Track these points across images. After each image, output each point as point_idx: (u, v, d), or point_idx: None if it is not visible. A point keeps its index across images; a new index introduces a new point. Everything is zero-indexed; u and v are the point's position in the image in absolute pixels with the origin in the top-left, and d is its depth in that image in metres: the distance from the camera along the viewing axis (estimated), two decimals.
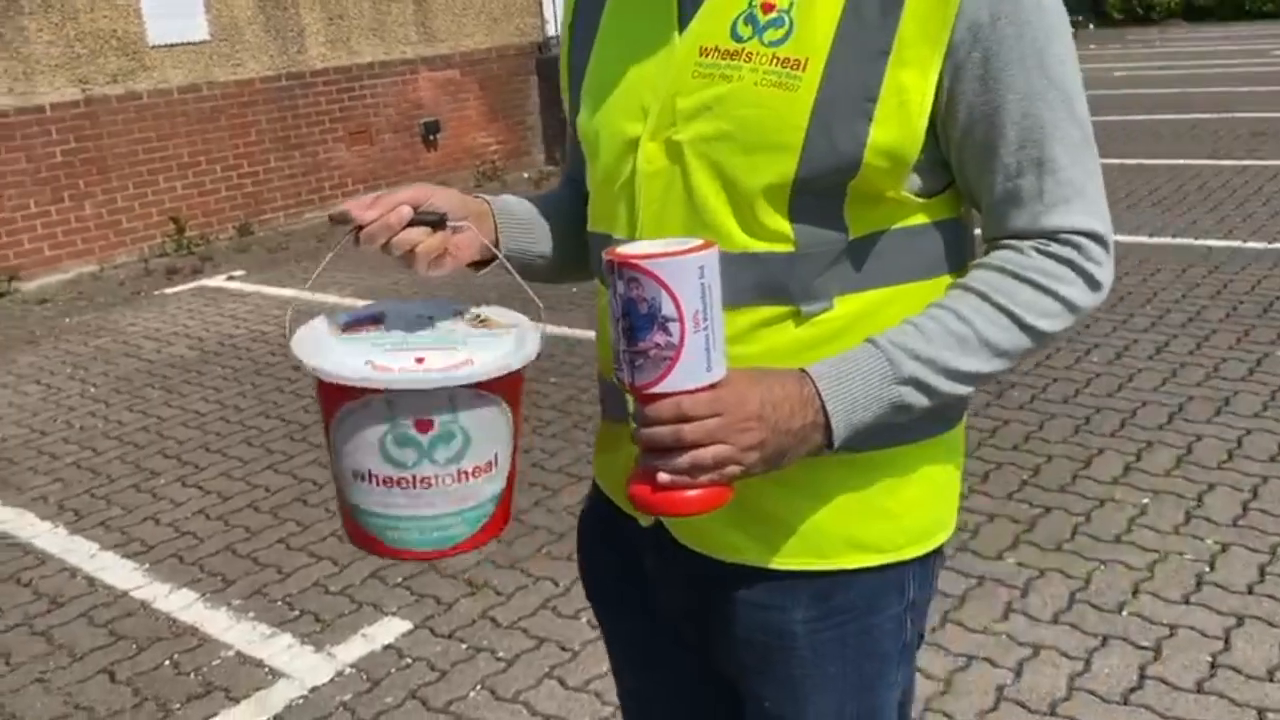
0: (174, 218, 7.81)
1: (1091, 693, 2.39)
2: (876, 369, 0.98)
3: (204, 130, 7.96)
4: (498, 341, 1.09)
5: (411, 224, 1.06)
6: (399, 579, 3.11)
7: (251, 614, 3.00)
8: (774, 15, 0.99)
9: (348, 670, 2.70)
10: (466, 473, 1.06)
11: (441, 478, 1.05)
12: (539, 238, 1.24)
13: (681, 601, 1.19)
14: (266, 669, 2.74)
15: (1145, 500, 3.20)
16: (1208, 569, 2.81)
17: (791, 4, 0.98)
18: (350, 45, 8.83)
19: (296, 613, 2.99)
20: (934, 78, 0.97)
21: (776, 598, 1.11)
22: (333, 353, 1.06)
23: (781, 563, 1.09)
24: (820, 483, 1.07)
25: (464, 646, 2.76)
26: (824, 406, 0.97)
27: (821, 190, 0.99)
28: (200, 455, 4.14)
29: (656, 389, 0.91)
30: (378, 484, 1.06)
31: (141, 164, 7.64)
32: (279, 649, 2.82)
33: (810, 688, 1.13)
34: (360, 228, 1.04)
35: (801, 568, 1.09)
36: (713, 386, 0.92)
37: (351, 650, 2.79)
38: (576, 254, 1.25)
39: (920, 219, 1.04)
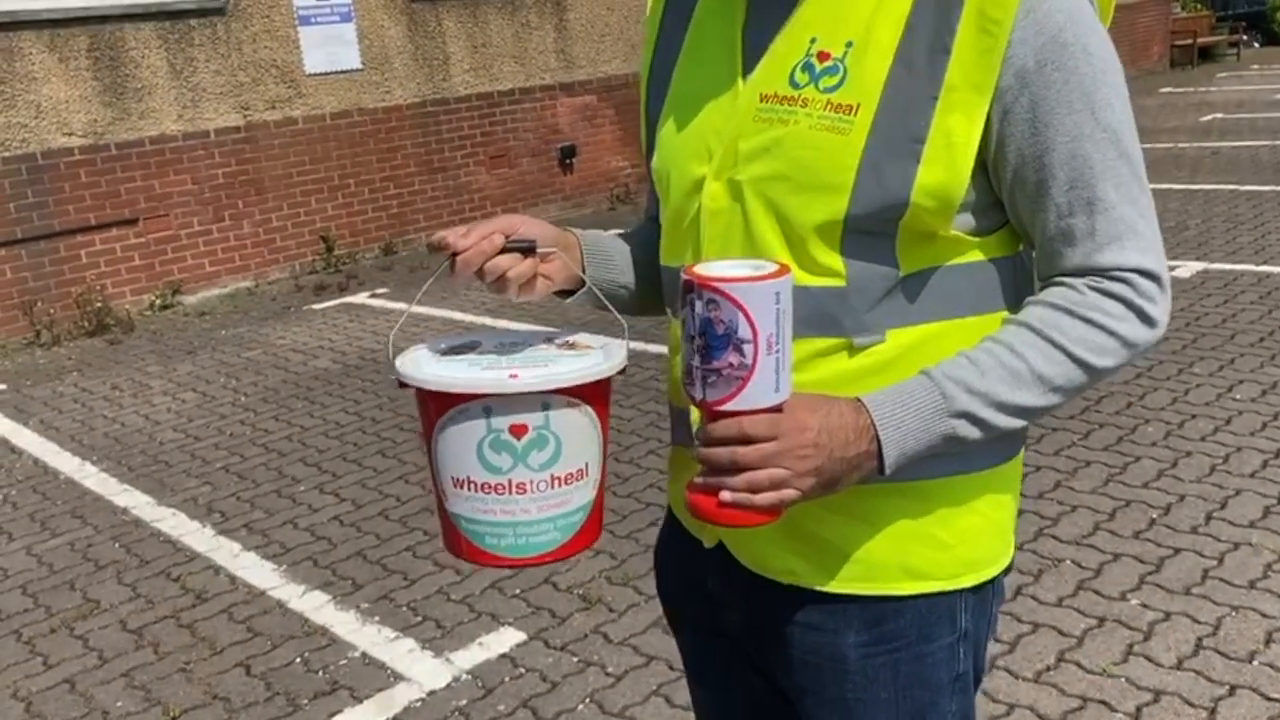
0: (324, 237, 8.21)
1: None
2: (930, 401, 1.01)
3: (354, 154, 8.35)
4: (586, 357, 1.16)
5: (503, 251, 1.13)
6: (516, 590, 3.21)
7: (378, 618, 3.14)
8: (829, 64, 1.05)
9: (464, 677, 2.81)
10: (559, 479, 1.13)
11: (535, 483, 1.12)
12: (622, 269, 1.31)
13: (742, 621, 1.23)
14: (389, 671, 2.87)
15: None
16: None
17: (845, 53, 1.04)
18: (492, 72, 9.13)
19: (419, 618, 3.12)
20: (980, 123, 1.01)
21: (830, 621, 1.14)
22: (433, 369, 1.15)
23: (835, 586, 1.13)
24: (876, 510, 1.10)
25: (575, 660, 2.84)
26: (878, 436, 1.00)
27: (872, 228, 1.03)
28: (338, 464, 4.35)
29: (726, 406, 0.96)
30: (476, 490, 1.13)
31: (295, 186, 8.06)
32: (401, 652, 2.95)
33: (862, 712, 1.16)
34: (456, 254, 1.12)
35: (854, 591, 1.13)
36: (778, 408, 0.97)
37: (469, 657, 2.89)
38: (657, 288, 1.32)
39: (975, 256, 1.07)
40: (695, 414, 1.15)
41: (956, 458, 1.07)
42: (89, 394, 5.63)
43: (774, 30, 1.10)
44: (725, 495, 0.97)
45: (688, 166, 1.14)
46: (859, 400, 1.01)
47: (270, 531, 3.78)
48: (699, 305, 0.94)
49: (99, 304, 7.02)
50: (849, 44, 1.04)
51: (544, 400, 1.11)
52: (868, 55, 1.02)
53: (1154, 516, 3.29)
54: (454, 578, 3.33)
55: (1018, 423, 1.03)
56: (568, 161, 9.71)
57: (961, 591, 1.13)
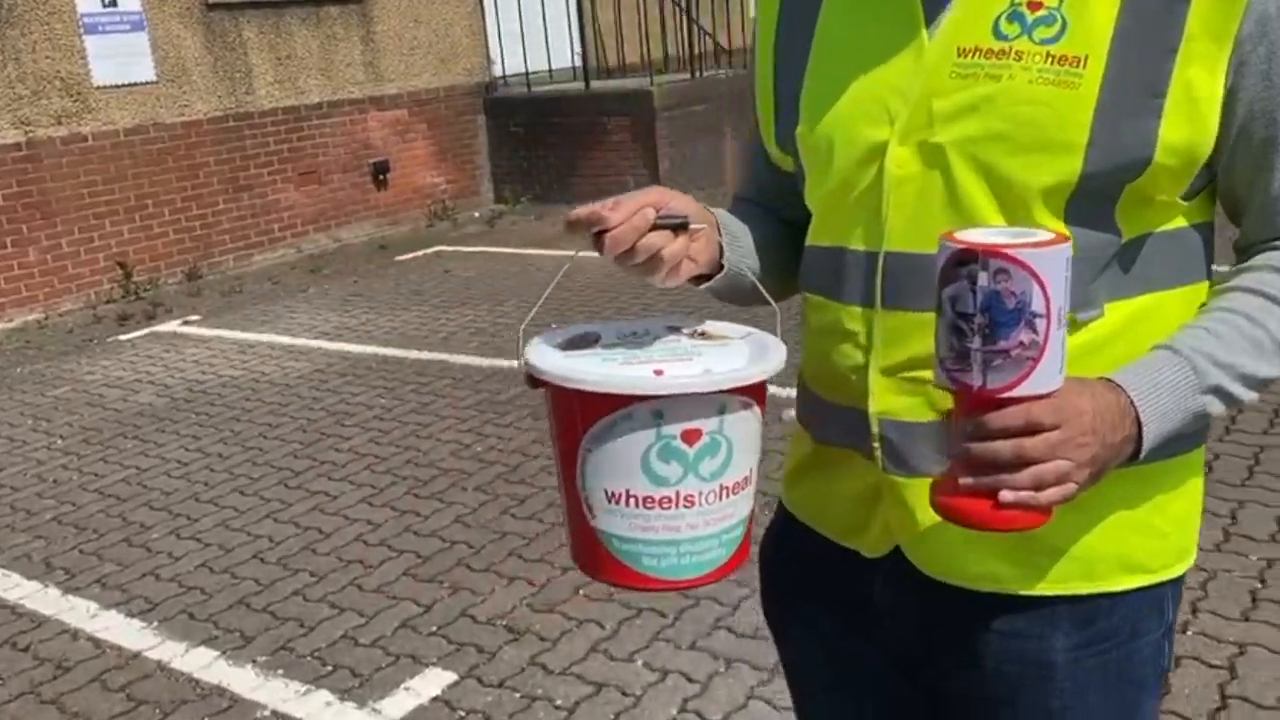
0: (121, 263, 7.53)
1: (1176, 714, 2.36)
2: (1182, 378, 0.94)
3: (151, 173, 7.71)
4: (733, 350, 1.03)
5: (653, 228, 0.98)
6: (432, 628, 2.97)
7: (280, 671, 2.83)
8: (1043, 13, 0.96)
9: None
10: (728, 489, 1.00)
11: (705, 495, 0.98)
12: (748, 251, 1.19)
13: (915, 633, 1.12)
14: None
15: None
16: (1259, 585, 2.82)
17: (1061, 2, 0.95)
18: (298, 85, 8.66)
19: (329, 667, 2.83)
20: (1222, 75, 0.94)
21: (1035, 626, 1.05)
22: (579, 366, 0.98)
23: (1046, 588, 1.03)
24: (1095, 500, 1.00)
25: (518, 696, 2.64)
26: (1138, 418, 0.92)
27: (1100, 191, 0.95)
28: (191, 506, 3.94)
29: (1013, 393, 0.84)
30: (637, 504, 0.98)
31: (87, 208, 7.36)
32: (318, 706, 2.66)
33: (1069, 719, 1.07)
34: (603, 231, 0.96)
35: (1067, 593, 1.04)
36: (1053, 393, 0.87)
37: (398, 704, 2.64)
38: (777, 269, 1.20)
39: (1181, 222, 1.01)
40: (880, 406, 1.03)
41: (1176, 440, 0.99)
42: None
43: None
44: (1006, 495, 0.85)
45: (859, 131, 1.02)
46: (1112, 380, 0.92)
47: (129, 585, 3.36)
48: (983, 278, 0.82)
49: None
50: None
51: (720, 402, 0.96)
52: (1090, 3, 0.94)
53: None
54: (357, 620, 3.05)
55: (1254, 396, 0.97)
56: (381, 178, 9.32)
57: (1170, 581, 1.06)
